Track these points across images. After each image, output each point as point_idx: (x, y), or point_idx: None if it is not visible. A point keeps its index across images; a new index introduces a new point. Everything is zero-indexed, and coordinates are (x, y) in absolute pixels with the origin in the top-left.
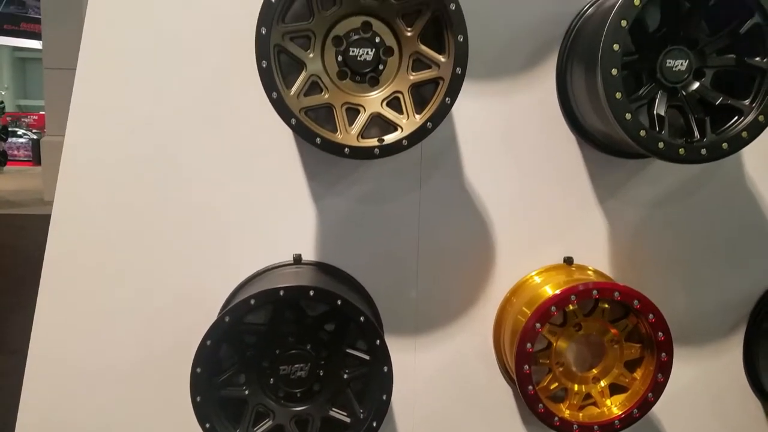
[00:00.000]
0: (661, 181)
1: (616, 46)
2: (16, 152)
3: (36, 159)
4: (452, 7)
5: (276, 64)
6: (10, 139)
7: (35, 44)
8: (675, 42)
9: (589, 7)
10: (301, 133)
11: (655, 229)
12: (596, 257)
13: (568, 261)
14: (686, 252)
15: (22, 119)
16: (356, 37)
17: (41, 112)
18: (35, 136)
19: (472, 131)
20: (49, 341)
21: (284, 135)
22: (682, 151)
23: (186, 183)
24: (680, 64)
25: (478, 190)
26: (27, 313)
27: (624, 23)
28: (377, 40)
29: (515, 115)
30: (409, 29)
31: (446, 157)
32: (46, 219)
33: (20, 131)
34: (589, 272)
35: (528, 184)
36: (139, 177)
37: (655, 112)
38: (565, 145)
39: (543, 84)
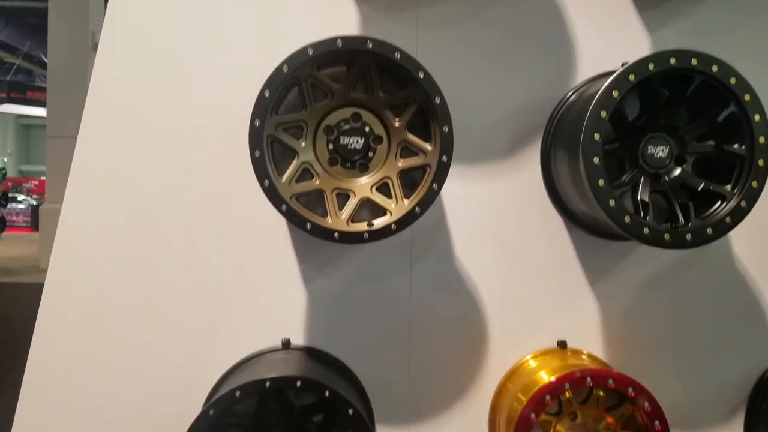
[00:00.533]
0: (650, 263)
1: (596, 136)
2: (15, 218)
3: (35, 225)
4: (437, 100)
5: (268, 153)
6: (9, 205)
7: (41, 112)
8: (655, 129)
9: (572, 94)
10: (292, 219)
11: (647, 311)
12: (589, 340)
13: (562, 345)
14: (679, 334)
15: (23, 184)
16: (347, 126)
17: (42, 178)
18: (35, 202)
19: (461, 213)
20: (34, 418)
21: (275, 218)
22: (667, 236)
23: (177, 263)
24: (661, 151)
25: (469, 271)
26: (9, 391)
27: (603, 114)
28: (367, 129)
29: (502, 197)
30: (397, 119)
31: (437, 238)
32: (40, 287)
33: (20, 197)
34: (584, 357)
35: (518, 266)
36: (132, 253)
37: (638, 197)
38: (553, 228)
39: (528, 168)
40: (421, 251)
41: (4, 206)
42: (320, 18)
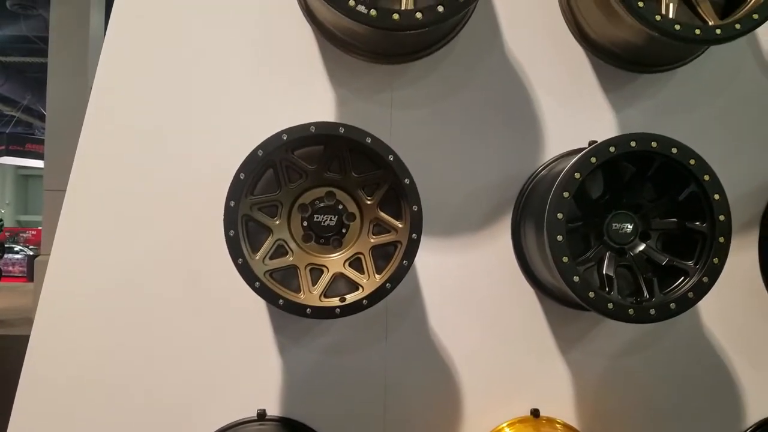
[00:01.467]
0: (621, 332)
1: (560, 215)
2: (11, 268)
3: (30, 276)
4: (407, 181)
5: (243, 231)
6: (6, 255)
7: (39, 164)
8: (619, 207)
9: (542, 169)
10: (264, 296)
11: (618, 380)
12: (563, 409)
13: (535, 413)
14: (651, 403)
15: (21, 235)
16: (321, 205)
17: (40, 228)
18: (32, 253)
19: (435, 284)
20: None
21: (250, 291)
22: (631, 311)
23: (155, 330)
24: (626, 227)
25: (443, 341)
26: None
27: (566, 195)
28: (340, 207)
29: (475, 269)
30: (369, 198)
31: (411, 308)
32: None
33: (17, 247)
34: (558, 425)
35: (491, 336)
36: (110, 316)
37: (604, 272)
38: (525, 298)
39: (500, 240)
40: (396, 321)
41: (1, 257)
42: (300, 100)
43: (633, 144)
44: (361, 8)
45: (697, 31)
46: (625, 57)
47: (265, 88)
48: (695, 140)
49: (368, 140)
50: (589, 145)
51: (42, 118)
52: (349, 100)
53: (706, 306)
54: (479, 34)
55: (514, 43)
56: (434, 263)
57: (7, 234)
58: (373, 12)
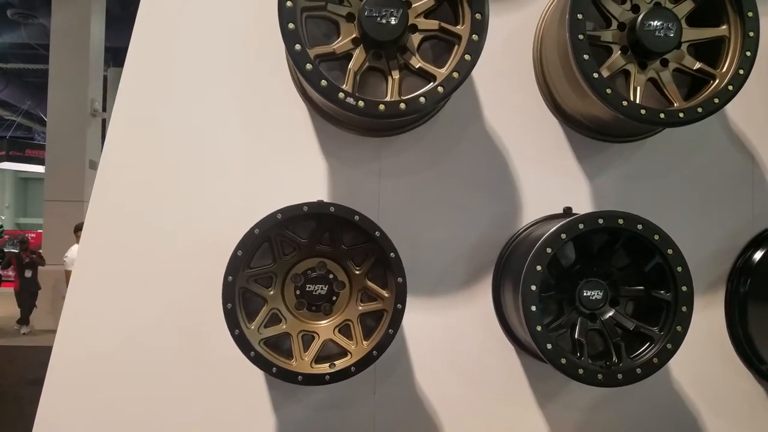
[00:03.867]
0: (594, 387)
1: (533, 287)
2: (10, 272)
3: None
4: (392, 255)
5: (240, 303)
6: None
7: (39, 169)
8: (591, 274)
9: (521, 232)
10: (259, 364)
11: (593, 431)
12: None
13: None
14: None
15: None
16: (313, 275)
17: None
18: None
19: (420, 342)
20: None
21: None
22: (600, 376)
23: (154, 388)
24: (596, 294)
25: (428, 396)
26: None
27: (539, 268)
28: (331, 276)
29: (458, 327)
30: (358, 268)
31: (398, 365)
32: (20, 350)
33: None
34: None
35: (473, 391)
36: (113, 375)
37: (576, 337)
38: (505, 355)
39: (482, 300)
40: (384, 376)
41: (1, 263)
42: (293, 171)
43: (601, 221)
44: (350, 100)
45: (662, 116)
46: (597, 129)
47: (260, 160)
48: (665, 204)
49: (356, 218)
50: (564, 211)
51: (41, 122)
52: (340, 170)
53: (675, 360)
54: (461, 108)
55: (493, 115)
56: (420, 322)
57: (6, 237)
58: (360, 103)
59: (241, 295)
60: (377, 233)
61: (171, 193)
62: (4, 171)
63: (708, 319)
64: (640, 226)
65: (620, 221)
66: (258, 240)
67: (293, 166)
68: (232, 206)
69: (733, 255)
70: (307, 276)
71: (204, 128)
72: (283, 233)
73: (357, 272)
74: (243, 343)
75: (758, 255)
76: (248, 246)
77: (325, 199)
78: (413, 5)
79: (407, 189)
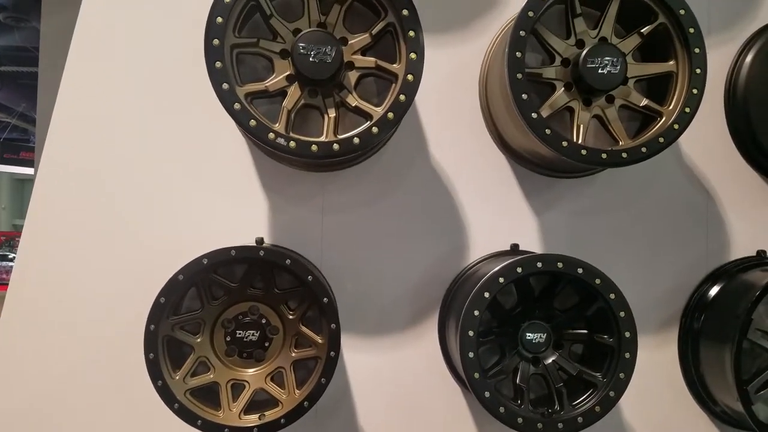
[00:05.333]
0: None
1: (471, 333)
2: (5, 276)
3: None
4: (325, 300)
5: (164, 352)
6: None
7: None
8: (533, 317)
9: (468, 269)
10: (183, 416)
11: None
12: None
13: None
14: None
15: (16, 239)
16: (244, 320)
17: None
18: None
19: (364, 382)
20: None
21: None
22: (540, 425)
23: None
24: (539, 337)
25: None
26: None
27: (477, 313)
28: (263, 321)
29: (403, 367)
30: (291, 313)
31: (341, 405)
32: None
33: (11, 255)
34: None
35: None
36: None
37: (517, 383)
38: (450, 394)
39: (427, 339)
40: (325, 418)
41: None
42: (232, 208)
43: (539, 265)
44: (281, 141)
45: (604, 156)
46: (544, 165)
47: (196, 196)
48: (617, 241)
49: (287, 262)
50: (511, 248)
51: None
52: (282, 207)
53: (628, 401)
54: (407, 143)
55: (438, 150)
56: (364, 361)
57: (2, 238)
58: (292, 144)
59: (165, 343)
60: (309, 278)
61: (97, 231)
62: (0, 173)
63: (661, 359)
64: (580, 270)
65: (559, 264)
66: (183, 286)
67: (232, 202)
68: (162, 247)
69: (687, 292)
70: (238, 321)
71: (136, 161)
72: (212, 278)
73: (291, 317)
74: (166, 394)
75: (713, 291)
76: (172, 293)
77: (266, 237)
78: (350, 42)
79: (351, 225)
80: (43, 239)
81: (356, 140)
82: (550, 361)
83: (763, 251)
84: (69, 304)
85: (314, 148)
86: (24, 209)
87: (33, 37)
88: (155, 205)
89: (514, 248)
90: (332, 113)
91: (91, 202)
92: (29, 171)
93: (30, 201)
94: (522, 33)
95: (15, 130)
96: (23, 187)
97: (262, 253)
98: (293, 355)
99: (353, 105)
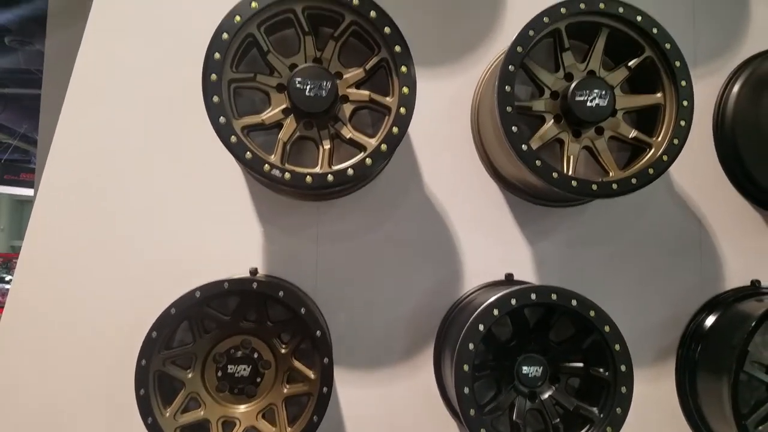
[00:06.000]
0: None
1: (466, 367)
2: (1, 298)
3: None
4: (318, 334)
5: (154, 388)
6: None
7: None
8: (529, 350)
9: (465, 299)
10: None
11: None
12: None
13: None
14: None
15: (14, 260)
16: (236, 354)
17: None
18: None
19: (358, 416)
20: None
21: None
22: None
23: None
24: (535, 371)
25: None
26: None
27: (471, 346)
28: (255, 355)
29: (397, 401)
30: (284, 346)
31: None
32: None
33: (8, 277)
34: None
35: None
36: None
37: (514, 419)
38: (446, 429)
39: (423, 371)
40: None
41: None
42: (226, 238)
43: (533, 296)
44: (276, 172)
45: (594, 187)
46: (536, 195)
47: (192, 226)
48: (611, 271)
49: (281, 294)
50: (505, 278)
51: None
52: (276, 237)
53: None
54: (401, 172)
55: (432, 179)
56: (357, 397)
57: (0, 260)
58: (287, 175)
59: (156, 378)
60: (303, 310)
61: (92, 257)
62: (0, 194)
63: (659, 391)
64: (574, 302)
65: (553, 296)
66: (175, 320)
67: (227, 231)
68: (157, 276)
69: (683, 323)
70: (230, 355)
71: (134, 188)
72: (204, 312)
73: (283, 351)
74: None
75: (708, 322)
76: (164, 327)
77: (260, 267)
78: (344, 76)
79: (346, 255)
80: (40, 263)
81: (350, 171)
82: (546, 396)
83: (758, 281)
84: (60, 332)
85: (309, 179)
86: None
87: (37, 59)
88: (152, 233)
89: (509, 278)
90: (327, 145)
91: (88, 226)
92: (29, 192)
93: (28, 223)
94: (511, 68)
95: (16, 151)
96: (23, 208)
97: (255, 285)
98: (285, 391)
99: (348, 137)
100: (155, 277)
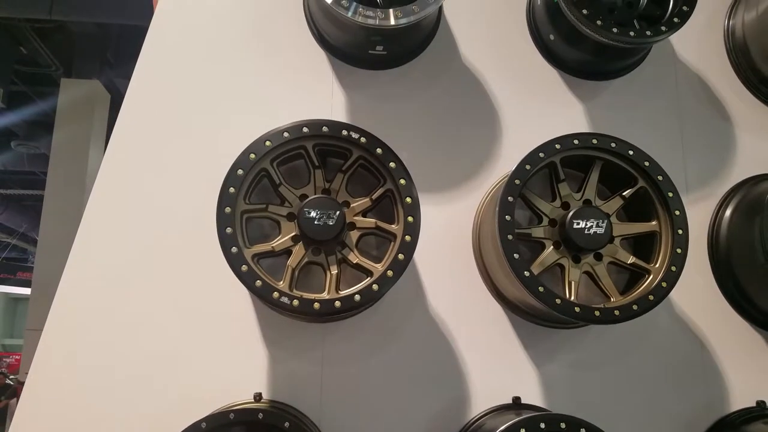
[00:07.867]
0: None
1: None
2: None
3: None
4: None
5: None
6: None
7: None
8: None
9: (473, 423)
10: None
11: None
12: None
13: None
14: None
15: (4, 360)
16: None
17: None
18: (11, 382)
19: None
20: None
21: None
22: (597, 313)
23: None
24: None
25: None
26: None
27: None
28: None
29: None
30: None
31: None
32: None
33: None
34: None
35: None
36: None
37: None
38: None
39: None
40: None
41: None
42: (233, 359)
43: (542, 426)
44: (285, 299)
45: (597, 313)
46: (540, 317)
47: (200, 348)
48: (614, 394)
49: (286, 425)
50: (513, 401)
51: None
52: (283, 359)
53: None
54: (405, 294)
55: (437, 301)
56: None
57: None
58: (295, 302)
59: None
60: None
61: (94, 388)
62: None
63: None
64: (582, 431)
65: (562, 425)
66: None
67: (232, 354)
68: (162, 400)
69: None
70: None
71: (135, 315)
72: None
73: None
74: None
75: None
76: None
77: (265, 390)
78: (352, 205)
79: (351, 378)
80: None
81: (357, 297)
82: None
83: (763, 401)
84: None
85: (317, 305)
86: (16, 328)
87: (42, 162)
88: (156, 359)
89: (516, 401)
90: (334, 270)
91: (91, 349)
92: (25, 291)
93: (36, 351)
94: (510, 198)
95: (14, 250)
96: (16, 305)
97: (261, 416)
98: None
99: (354, 262)
100: (161, 402)
